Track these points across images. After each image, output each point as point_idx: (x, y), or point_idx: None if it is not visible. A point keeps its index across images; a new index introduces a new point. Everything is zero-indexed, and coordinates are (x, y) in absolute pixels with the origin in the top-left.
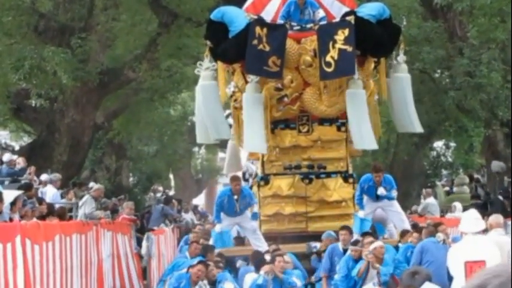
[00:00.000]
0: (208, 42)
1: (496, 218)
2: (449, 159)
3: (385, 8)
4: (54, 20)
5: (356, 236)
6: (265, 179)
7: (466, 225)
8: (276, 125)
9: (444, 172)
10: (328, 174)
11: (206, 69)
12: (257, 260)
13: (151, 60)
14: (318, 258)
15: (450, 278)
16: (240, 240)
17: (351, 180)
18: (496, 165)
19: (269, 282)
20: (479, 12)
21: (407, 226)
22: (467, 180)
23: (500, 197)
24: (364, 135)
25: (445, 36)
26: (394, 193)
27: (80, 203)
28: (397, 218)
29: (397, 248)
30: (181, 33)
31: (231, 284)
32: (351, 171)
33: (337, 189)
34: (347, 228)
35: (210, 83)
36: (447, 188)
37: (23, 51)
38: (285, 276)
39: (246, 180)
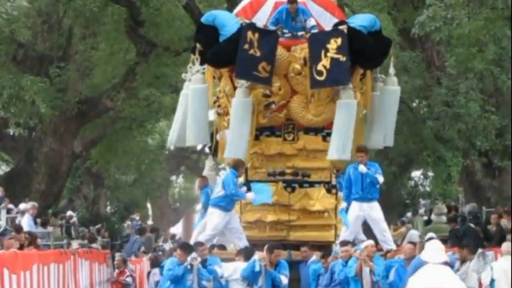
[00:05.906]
0: (198, 45)
1: (506, 246)
2: (427, 189)
3: (376, 19)
4: (33, 49)
5: (344, 230)
6: (248, 186)
7: (428, 255)
8: (261, 132)
9: (422, 202)
10: (312, 184)
11: (197, 72)
12: (249, 253)
13: (130, 89)
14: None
15: None
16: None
17: (334, 191)
18: (470, 206)
19: (262, 269)
20: (457, 42)
21: (390, 240)
22: (445, 210)
23: (472, 225)
24: (340, 147)
25: (423, 66)
26: (380, 177)
27: None
28: (378, 229)
29: None
30: (160, 62)
31: (220, 269)
32: (334, 182)
33: (320, 199)
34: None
35: (201, 86)
36: (425, 218)
37: (2, 81)
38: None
39: None
